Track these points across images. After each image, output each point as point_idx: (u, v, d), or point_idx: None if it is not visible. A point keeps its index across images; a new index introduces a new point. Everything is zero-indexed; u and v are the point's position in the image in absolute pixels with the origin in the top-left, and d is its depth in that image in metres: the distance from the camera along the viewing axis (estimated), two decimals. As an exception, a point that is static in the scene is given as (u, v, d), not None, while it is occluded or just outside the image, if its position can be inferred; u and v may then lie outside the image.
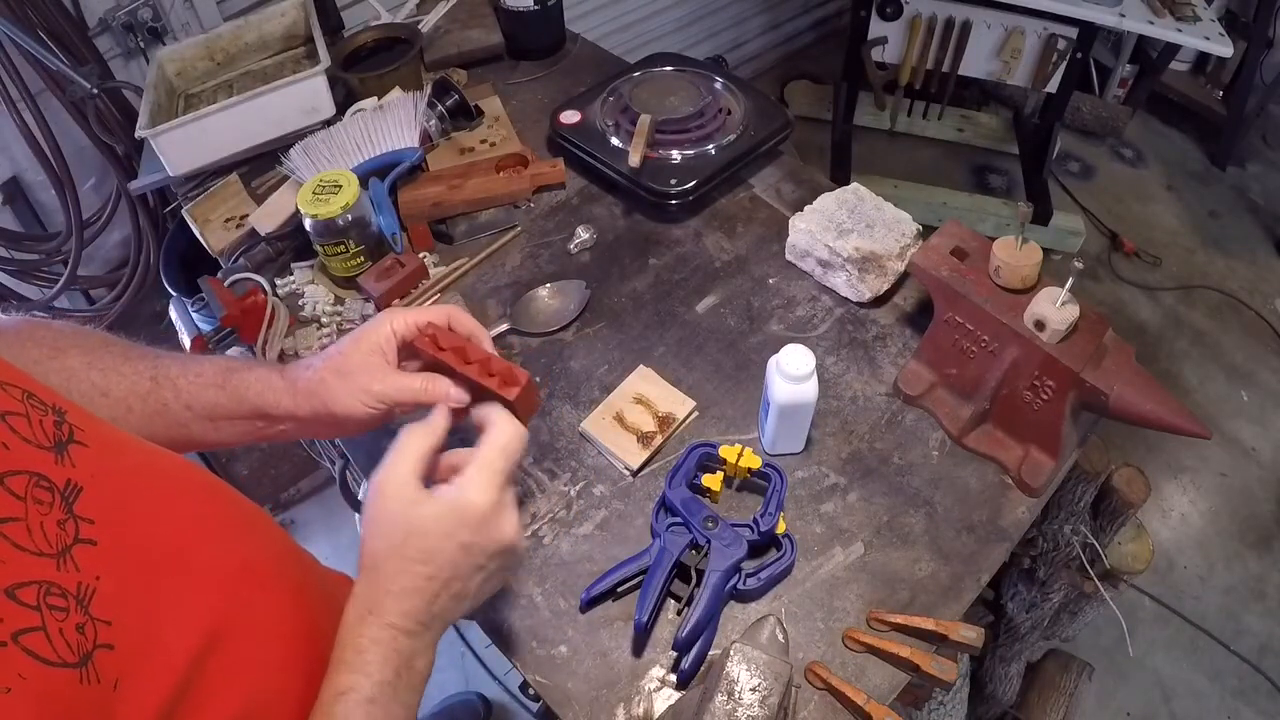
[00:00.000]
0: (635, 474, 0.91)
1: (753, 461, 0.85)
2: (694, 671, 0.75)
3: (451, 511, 0.58)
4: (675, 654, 0.76)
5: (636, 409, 0.94)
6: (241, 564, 0.53)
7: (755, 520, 0.81)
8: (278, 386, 0.68)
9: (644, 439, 0.92)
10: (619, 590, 0.81)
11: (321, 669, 0.55)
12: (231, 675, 0.48)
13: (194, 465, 0.56)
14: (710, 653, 0.77)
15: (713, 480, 0.86)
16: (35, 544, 0.39)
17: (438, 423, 0.64)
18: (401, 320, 0.69)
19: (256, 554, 0.55)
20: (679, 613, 0.80)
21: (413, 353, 0.71)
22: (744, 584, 0.79)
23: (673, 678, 0.77)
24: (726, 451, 0.85)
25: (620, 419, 0.94)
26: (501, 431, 0.62)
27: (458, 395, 0.67)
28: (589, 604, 0.81)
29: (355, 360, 0.68)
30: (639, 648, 0.79)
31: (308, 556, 0.65)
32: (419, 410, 0.67)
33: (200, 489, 0.54)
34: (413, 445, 0.61)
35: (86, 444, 0.46)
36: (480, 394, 0.68)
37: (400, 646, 0.56)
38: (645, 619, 0.75)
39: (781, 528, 0.81)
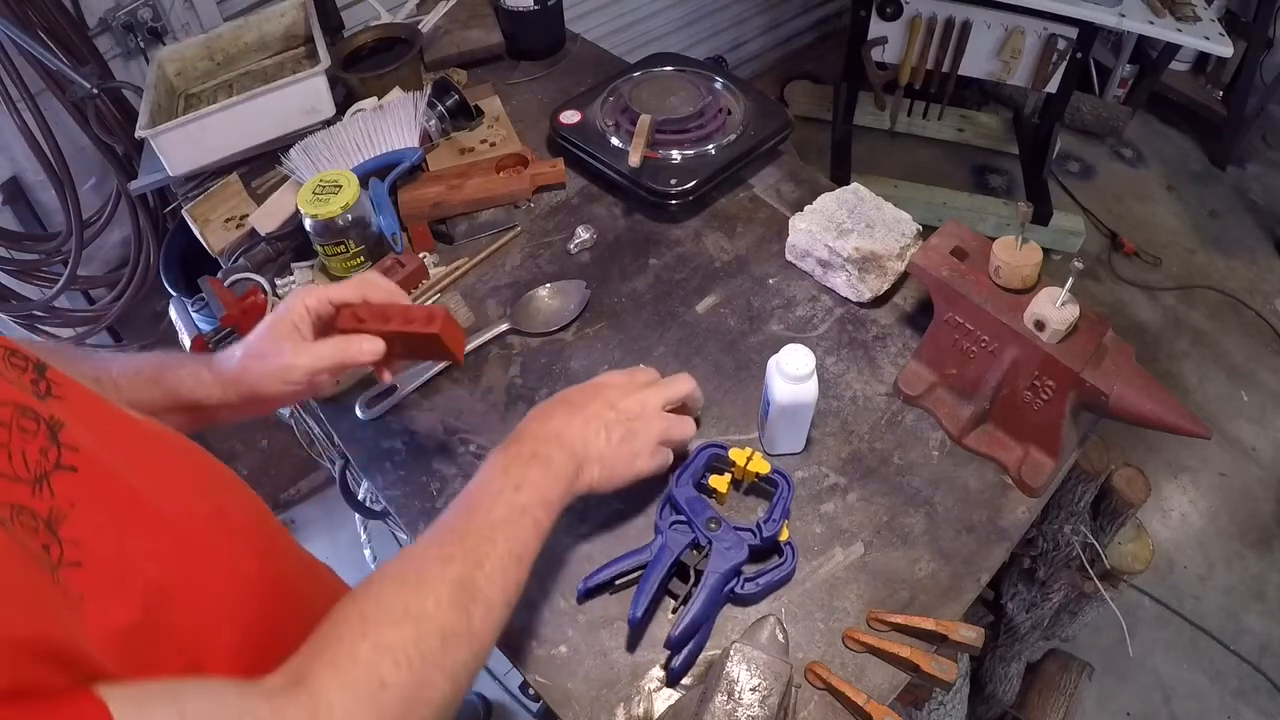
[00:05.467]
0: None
1: (761, 466, 0.84)
2: (684, 670, 0.75)
3: (592, 382, 0.77)
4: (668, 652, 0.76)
5: (636, 409, 0.94)
6: (213, 510, 0.55)
7: (758, 525, 0.80)
8: (206, 380, 0.72)
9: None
10: (617, 583, 0.81)
11: (282, 622, 0.56)
12: (192, 610, 0.49)
13: (167, 428, 0.59)
14: (708, 653, 0.77)
15: (720, 482, 0.86)
16: (14, 469, 0.41)
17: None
18: (315, 298, 0.74)
19: (228, 505, 0.57)
20: (674, 611, 0.80)
21: (332, 329, 0.77)
22: (742, 588, 0.79)
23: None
24: (736, 454, 0.85)
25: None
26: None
27: (370, 348, 0.73)
28: (586, 595, 0.81)
29: (270, 344, 0.73)
30: (632, 643, 0.79)
31: (282, 528, 0.67)
32: (352, 374, 0.75)
33: (175, 441, 0.57)
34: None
35: (64, 398, 0.48)
36: (411, 343, 0.76)
37: (530, 454, 0.68)
38: (639, 614, 0.75)
39: (785, 535, 0.81)
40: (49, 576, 0.39)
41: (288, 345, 0.73)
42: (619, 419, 0.74)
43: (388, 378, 0.83)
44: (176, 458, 0.56)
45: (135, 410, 0.68)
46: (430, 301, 1.09)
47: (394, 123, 1.19)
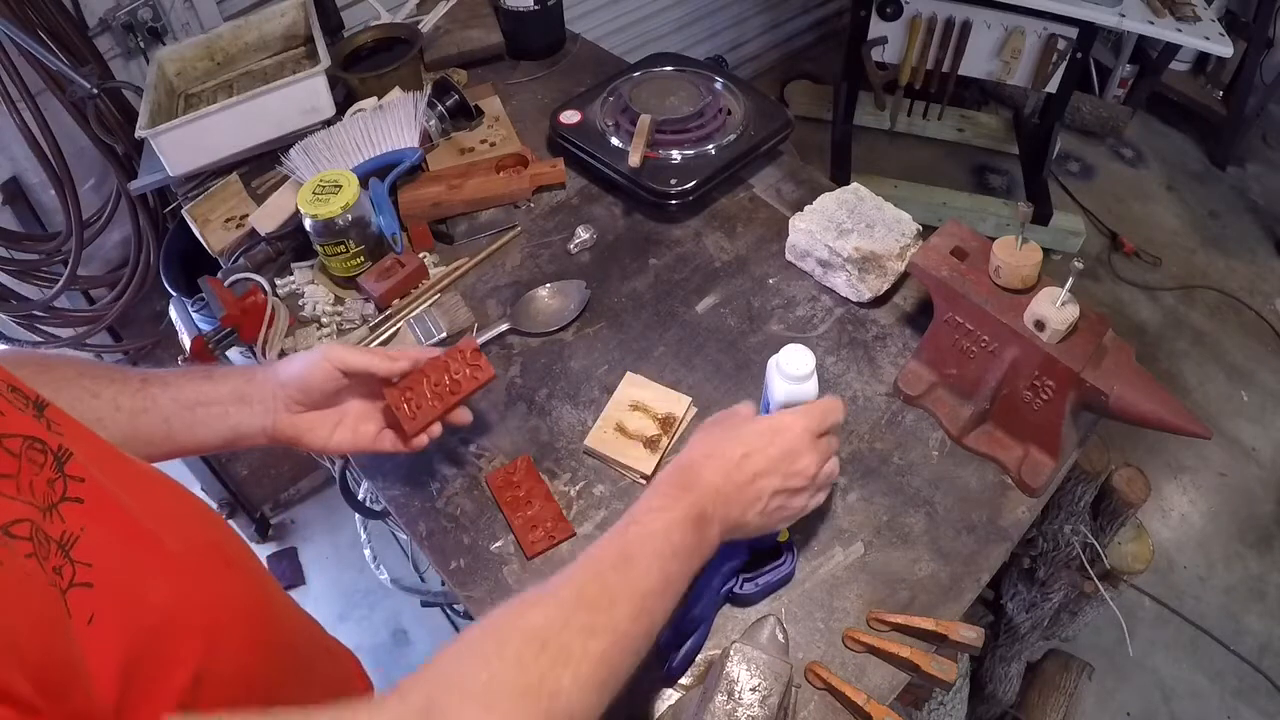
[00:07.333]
0: (649, 480, 0.91)
1: None
2: (681, 670, 0.75)
3: (772, 425, 0.71)
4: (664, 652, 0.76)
5: (635, 415, 0.94)
6: (209, 542, 0.57)
7: (757, 524, 0.80)
8: (254, 367, 0.81)
9: (650, 444, 0.92)
10: None
11: (273, 647, 0.59)
12: (195, 635, 0.49)
13: (159, 470, 0.61)
14: (708, 653, 0.77)
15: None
16: (24, 497, 0.42)
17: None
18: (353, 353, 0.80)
19: (221, 540, 0.60)
20: (674, 611, 0.80)
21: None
22: (741, 588, 0.79)
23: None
24: None
25: (622, 429, 0.93)
26: (818, 401, 0.76)
27: (392, 366, 0.80)
28: None
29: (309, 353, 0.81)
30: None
31: (262, 564, 0.70)
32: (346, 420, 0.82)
33: (166, 480, 0.59)
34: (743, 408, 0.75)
35: (63, 434, 0.49)
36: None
37: (697, 516, 0.64)
38: None
39: (784, 536, 0.81)
40: (59, 600, 0.40)
41: (341, 349, 0.80)
42: (782, 490, 0.70)
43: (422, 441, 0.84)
44: (169, 494, 0.58)
45: (178, 404, 0.74)
46: (430, 301, 1.09)
47: (394, 123, 1.19)
